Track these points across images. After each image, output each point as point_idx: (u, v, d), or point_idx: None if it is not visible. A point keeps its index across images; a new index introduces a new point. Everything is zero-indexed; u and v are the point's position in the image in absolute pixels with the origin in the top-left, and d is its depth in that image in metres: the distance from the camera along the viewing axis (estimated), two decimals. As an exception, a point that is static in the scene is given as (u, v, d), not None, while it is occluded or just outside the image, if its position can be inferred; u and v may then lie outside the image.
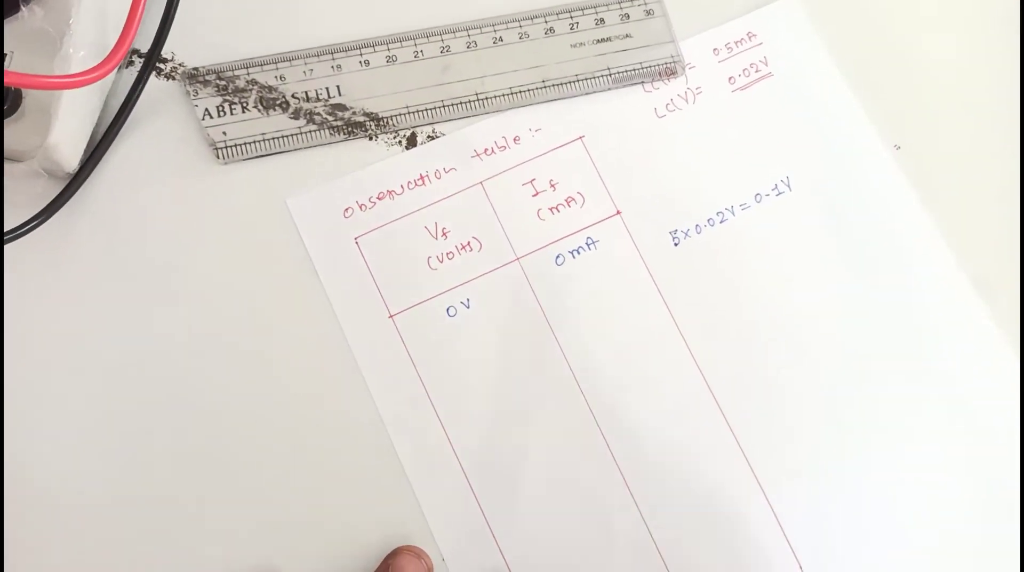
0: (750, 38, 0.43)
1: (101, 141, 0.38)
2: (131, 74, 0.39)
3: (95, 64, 0.31)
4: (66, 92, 0.34)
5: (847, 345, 0.39)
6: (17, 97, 0.34)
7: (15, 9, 0.33)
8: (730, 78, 0.43)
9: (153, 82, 0.40)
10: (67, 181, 0.37)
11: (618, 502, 0.37)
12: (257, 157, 0.40)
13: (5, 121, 0.34)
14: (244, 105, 0.40)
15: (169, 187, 0.39)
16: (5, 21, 0.33)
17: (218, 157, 0.39)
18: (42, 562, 0.35)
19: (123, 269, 0.38)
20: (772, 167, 0.42)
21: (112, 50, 0.31)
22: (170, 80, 0.40)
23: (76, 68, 0.32)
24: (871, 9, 0.43)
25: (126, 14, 0.32)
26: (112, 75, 0.38)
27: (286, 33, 0.41)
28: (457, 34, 0.42)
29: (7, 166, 0.35)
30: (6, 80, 0.28)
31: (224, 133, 0.40)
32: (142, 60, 0.39)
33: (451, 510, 0.36)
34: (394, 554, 0.34)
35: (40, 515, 0.35)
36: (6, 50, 0.34)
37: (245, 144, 0.40)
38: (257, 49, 0.41)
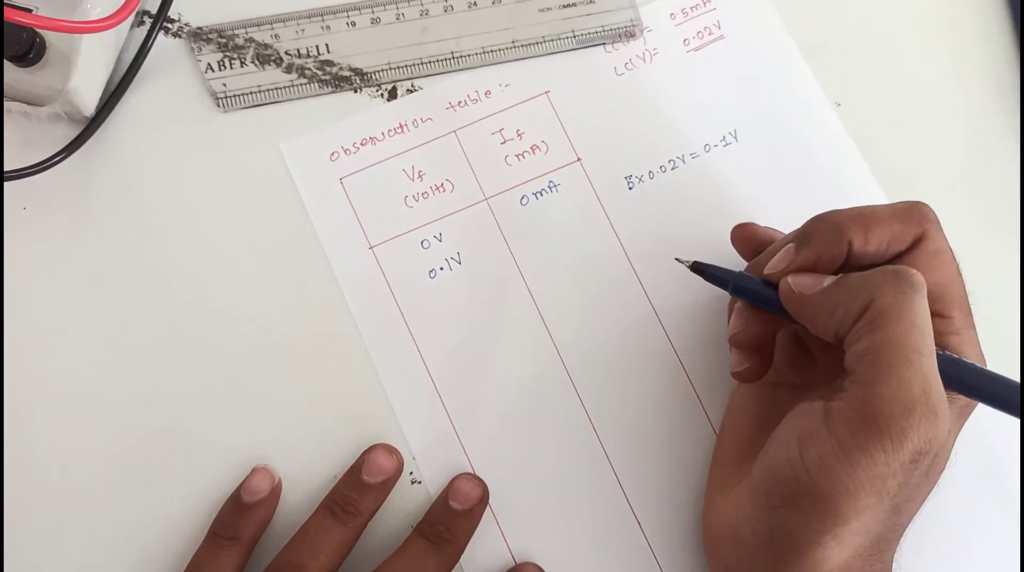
0: (705, 3, 0.48)
1: (115, 90, 0.43)
2: (141, 32, 0.44)
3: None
4: (85, 40, 0.38)
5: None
6: (41, 46, 0.39)
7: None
8: (684, 40, 0.47)
9: (161, 40, 0.44)
10: (84, 124, 0.42)
11: (572, 415, 0.41)
12: (253, 107, 0.44)
13: (30, 68, 0.39)
14: (242, 60, 0.45)
15: (175, 132, 0.44)
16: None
17: (219, 106, 0.44)
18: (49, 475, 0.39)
19: (134, 204, 0.43)
20: (721, 121, 0.46)
21: (124, 3, 0.35)
22: (176, 38, 0.45)
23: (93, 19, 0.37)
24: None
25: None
26: (125, 30, 0.42)
27: (281, -3, 0.46)
28: (435, -1, 0.47)
29: (32, 110, 0.40)
30: (33, 23, 0.33)
31: (224, 85, 0.44)
32: (151, 20, 0.44)
33: (420, 413, 0.41)
34: (370, 450, 0.39)
35: (49, 432, 0.40)
36: (30, 4, 0.39)
37: (243, 95, 0.45)
38: (255, 11, 0.45)
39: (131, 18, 0.40)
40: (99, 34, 0.38)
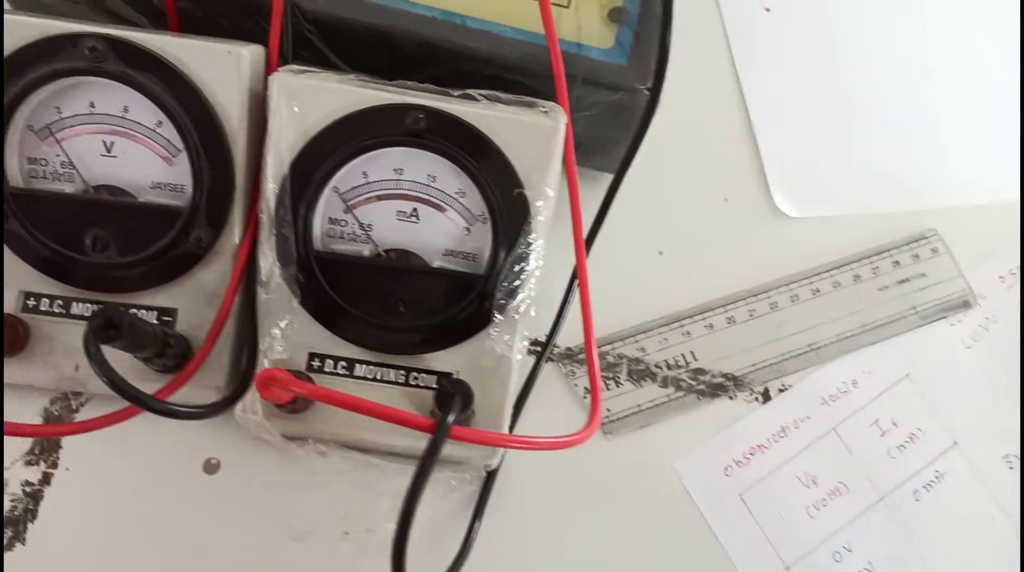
0: None
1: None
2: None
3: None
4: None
5: None
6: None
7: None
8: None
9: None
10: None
11: None
12: (639, 429, 0.43)
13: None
14: (617, 379, 0.44)
15: (559, 460, 0.42)
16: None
17: (604, 433, 0.43)
18: None
19: (537, 540, 0.41)
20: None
21: (590, 416, 0.34)
22: (548, 361, 0.44)
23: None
24: None
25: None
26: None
27: (634, 306, 0.46)
28: (780, 290, 0.47)
29: (457, 475, 0.39)
30: (514, 444, 0.32)
31: (608, 409, 0.43)
32: (537, 348, 0.43)
33: None
34: None
35: None
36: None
37: (627, 417, 0.44)
38: (611, 325, 0.45)
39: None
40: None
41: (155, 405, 0.28)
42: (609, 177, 0.46)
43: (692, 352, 0.45)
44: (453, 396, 0.30)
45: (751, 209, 0.49)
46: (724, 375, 0.44)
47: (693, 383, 0.44)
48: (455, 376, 0.38)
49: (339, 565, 0.38)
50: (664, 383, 0.44)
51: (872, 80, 0.51)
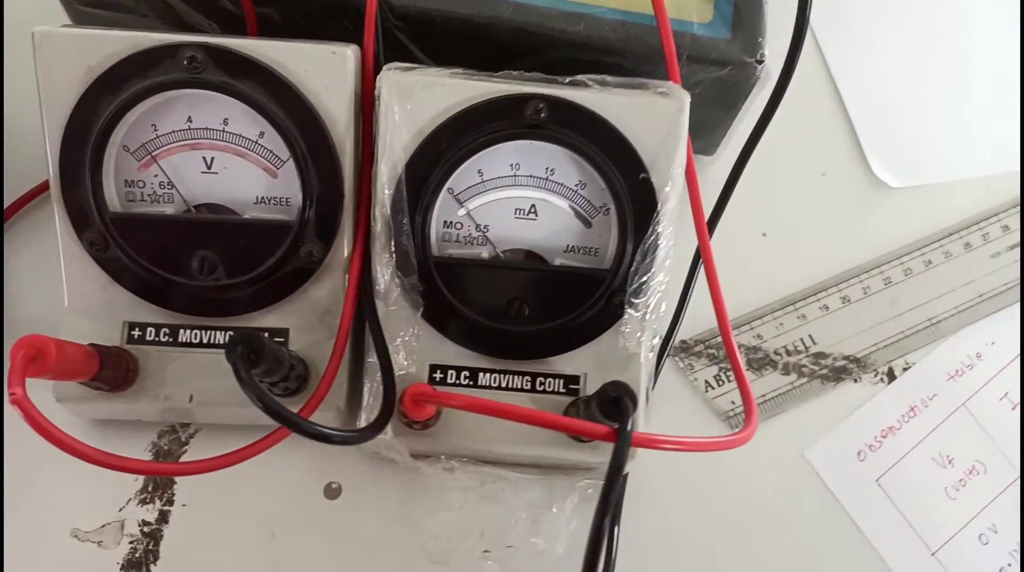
0: None
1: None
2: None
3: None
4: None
5: None
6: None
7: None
8: None
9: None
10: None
11: None
12: (766, 419, 0.41)
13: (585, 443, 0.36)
14: (737, 369, 0.42)
15: (688, 459, 0.41)
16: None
17: (730, 427, 0.41)
18: None
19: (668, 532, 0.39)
20: None
21: (747, 414, 0.32)
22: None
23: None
24: None
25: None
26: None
27: (743, 292, 0.44)
28: (891, 264, 0.45)
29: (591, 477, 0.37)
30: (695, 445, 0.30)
31: (732, 402, 0.41)
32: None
33: None
34: None
35: None
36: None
37: (751, 408, 0.41)
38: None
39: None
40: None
41: (311, 430, 0.26)
42: (706, 159, 0.44)
43: (810, 336, 0.43)
44: (621, 399, 0.28)
45: (850, 182, 0.47)
46: (846, 357, 0.43)
47: (815, 368, 0.42)
48: (583, 378, 0.36)
49: (491, 586, 0.36)
50: (786, 370, 0.42)
51: (963, 39, 0.49)
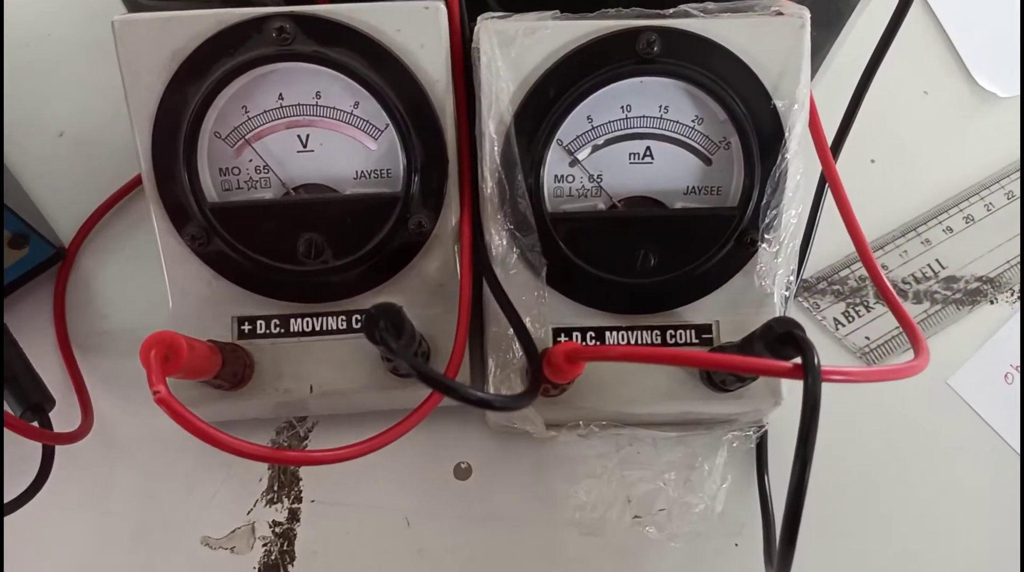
0: None
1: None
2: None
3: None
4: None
5: None
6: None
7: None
8: None
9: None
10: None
11: None
12: (902, 352, 0.39)
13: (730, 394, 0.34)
14: (866, 304, 0.40)
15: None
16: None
17: (867, 363, 0.39)
18: None
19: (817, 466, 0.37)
20: None
21: (916, 344, 0.29)
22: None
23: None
24: None
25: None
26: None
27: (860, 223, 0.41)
28: (1011, 177, 0.42)
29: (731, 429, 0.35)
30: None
31: (867, 337, 0.39)
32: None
33: None
34: None
35: None
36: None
37: (886, 342, 0.39)
38: (839, 248, 0.40)
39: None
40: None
41: (472, 396, 0.24)
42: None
43: (937, 260, 0.40)
44: (791, 333, 0.25)
45: (955, 97, 0.45)
46: (979, 279, 0.40)
47: (948, 293, 0.40)
48: (715, 326, 0.34)
49: (655, 551, 0.34)
50: (917, 298, 0.40)
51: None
